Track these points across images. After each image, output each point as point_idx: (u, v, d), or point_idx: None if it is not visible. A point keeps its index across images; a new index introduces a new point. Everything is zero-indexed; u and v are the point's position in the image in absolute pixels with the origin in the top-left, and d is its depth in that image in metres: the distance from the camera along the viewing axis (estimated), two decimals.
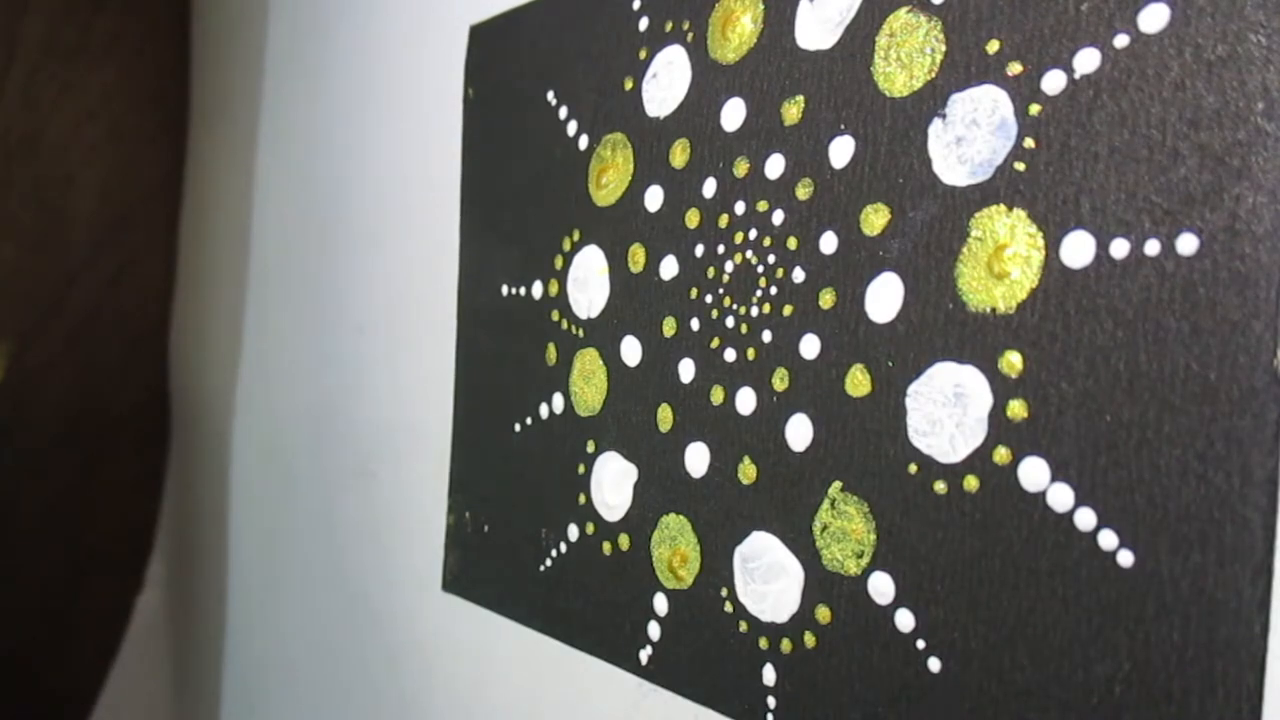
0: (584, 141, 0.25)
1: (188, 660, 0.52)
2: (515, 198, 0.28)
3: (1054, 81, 0.16)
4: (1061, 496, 0.16)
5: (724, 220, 0.22)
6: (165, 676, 0.54)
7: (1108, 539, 0.15)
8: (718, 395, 0.22)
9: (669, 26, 0.23)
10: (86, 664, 0.50)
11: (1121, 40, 0.16)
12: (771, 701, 0.20)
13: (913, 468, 0.18)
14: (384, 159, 0.35)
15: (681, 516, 0.22)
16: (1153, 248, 0.15)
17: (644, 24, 0.24)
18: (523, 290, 0.27)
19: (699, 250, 0.22)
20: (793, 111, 0.20)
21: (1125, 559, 0.15)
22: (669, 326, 0.23)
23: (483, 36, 0.29)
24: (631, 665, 0.24)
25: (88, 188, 0.43)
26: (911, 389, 0.18)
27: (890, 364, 0.18)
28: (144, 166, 0.47)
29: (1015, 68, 0.17)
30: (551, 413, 0.26)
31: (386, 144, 0.35)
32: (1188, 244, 0.15)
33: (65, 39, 0.44)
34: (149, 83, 0.47)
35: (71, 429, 0.47)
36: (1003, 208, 0.17)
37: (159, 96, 0.47)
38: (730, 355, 0.21)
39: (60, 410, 0.47)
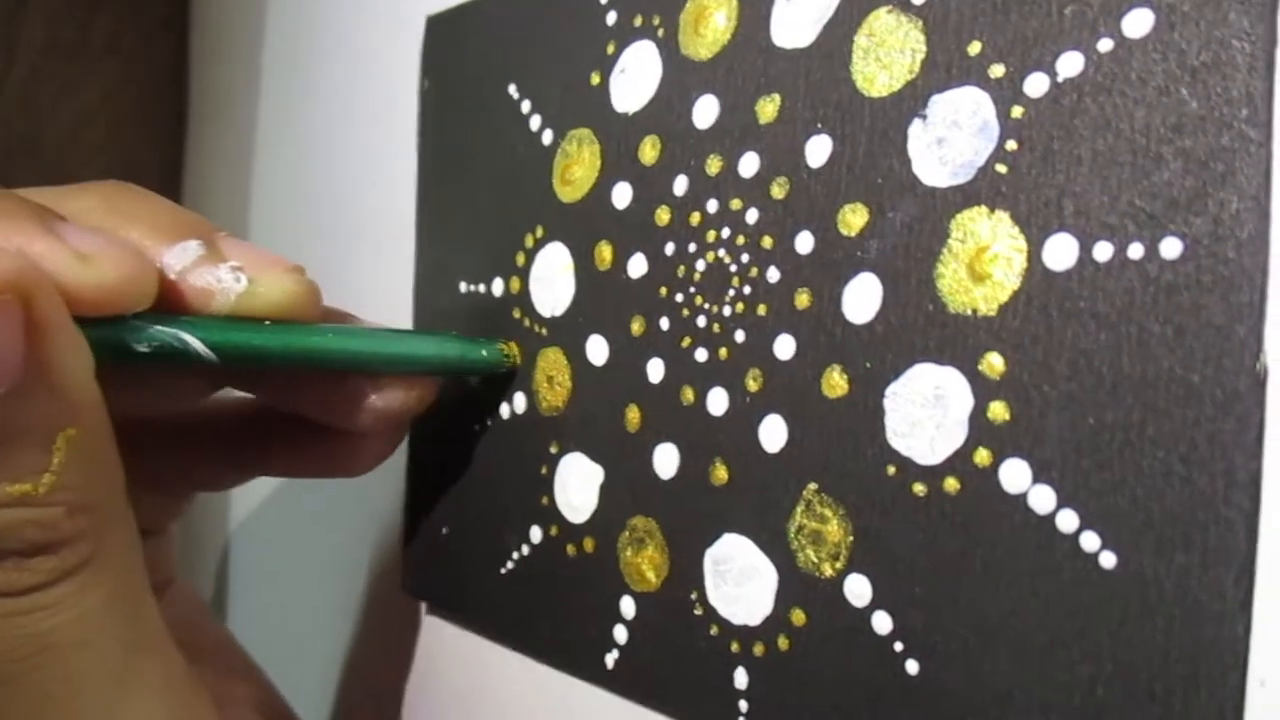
0: (548, 136, 0.25)
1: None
2: (475, 193, 0.27)
3: (1037, 84, 0.16)
4: (1043, 498, 0.16)
5: (696, 218, 0.21)
6: None
7: (1090, 541, 0.15)
8: (688, 395, 0.21)
9: (638, 21, 0.23)
10: None
11: (1105, 44, 0.16)
12: (744, 705, 0.20)
13: (891, 469, 0.18)
14: (355, 155, 0.34)
15: (650, 519, 0.22)
16: (1136, 251, 0.15)
17: (612, 18, 0.24)
18: (482, 288, 0.27)
19: (669, 248, 0.22)
20: (768, 110, 0.20)
21: (1108, 561, 0.15)
22: (637, 325, 0.22)
23: (441, 27, 0.29)
24: (597, 671, 0.23)
25: None
26: (890, 390, 0.18)
27: (868, 365, 0.18)
28: (144, 166, 0.46)
29: (997, 70, 0.17)
30: (513, 412, 0.26)
31: (361, 140, 0.34)
32: (1171, 248, 0.15)
33: (65, 39, 0.42)
34: (148, 83, 0.46)
35: None
36: (984, 209, 0.17)
37: (158, 96, 0.47)
38: (701, 355, 0.21)
39: None
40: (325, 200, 0.37)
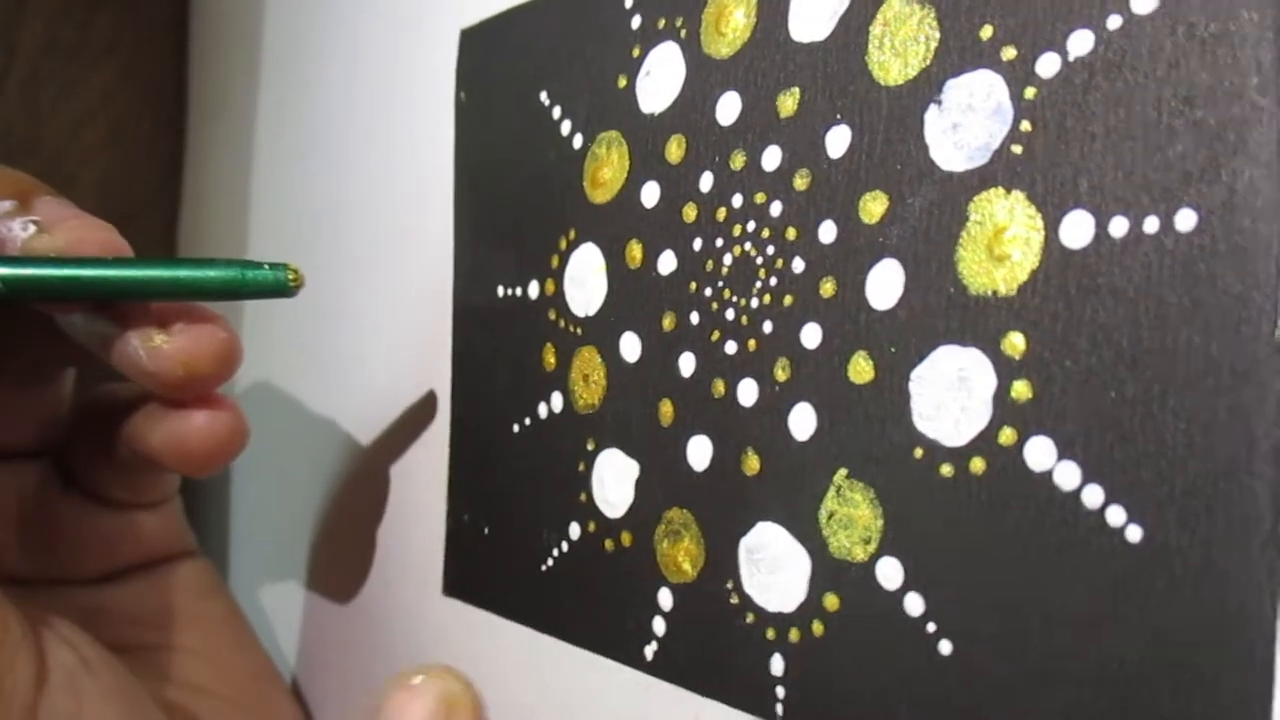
0: (578, 140, 0.25)
1: None
2: (510, 199, 0.28)
3: (1048, 65, 0.17)
4: (1068, 475, 0.16)
5: (721, 214, 0.22)
6: None
7: (1115, 515, 0.15)
8: (719, 388, 0.22)
9: (662, 23, 0.23)
10: None
11: (1114, 21, 0.16)
12: (781, 691, 0.20)
13: (918, 452, 0.18)
14: (377, 160, 0.35)
15: (685, 510, 0.22)
16: (1151, 225, 0.15)
17: (636, 22, 0.24)
18: (519, 291, 0.27)
19: (697, 244, 0.22)
20: (788, 103, 0.21)
21: (1134, 534, 0.15)
22: (668, 321, 0.23)
23: (474, 40, 0.29)
24: (637, 661, 0.24)
25: (88, 188, 0.43)
26: (915, 374, 0.18)
27: (893, 350, 0.18)
28: (144, 166, 0.47)
29: (1009, 52, 0.17)
30: (550, 412, 0.26)
31: (379, 145, 0.35)
32: (1186, 220, 0.15)
33: (64, 39, 0.43)
34: (148, 82, 0.47)
35: None
36: (1001, 190, 0.17)
37: (158, 96, 0.47)
38: (731, 347, 0.21)
39: None
40: (327, 200, 0.38)
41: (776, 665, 0.20)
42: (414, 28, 0.33)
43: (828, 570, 0.19)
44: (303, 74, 0.40)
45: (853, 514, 0.19)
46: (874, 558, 0.18)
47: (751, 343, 0.21)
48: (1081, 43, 0.16)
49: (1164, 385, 0.15)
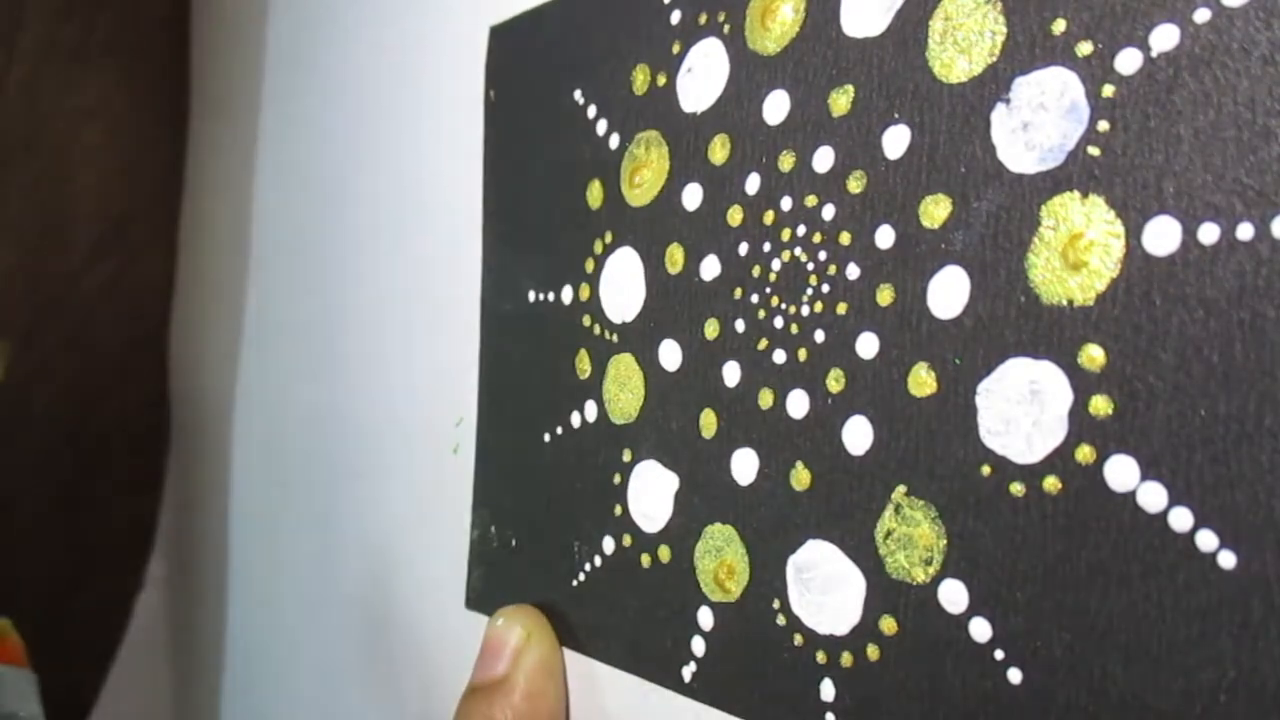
0: (615, 140, 0.25)
1: (188, 660, 0.51)
2: (542, 200, 0.27)
3: (1129, 61, 0.16)
4: (1153, 496, 0.15)
5: (769, 217, 0.21)
6: (165, 676, 0.53)
7: (1206, 540, 0.14)
8: (766, 399, 0.21)
9: (703, 19, 0.23)
10: (86, 664, 0.49)
11: (1202, 15, 0.15)
12: (831, 718, 0.19)
13: (985, 469, 0.17)
14: (397, 160, 0.34)
15: (728, 526, 0.21)
16: (1245, 232, 0.14)
17: (675, 17, 0.23)
18: (551, 295, 0.26)
19: (743, 249, 0.21)
20: (841, 102, 0.20)
21: (1227, 560, 0.14)
22: (711, 329, 0.22)
23: (504, 37, 0.29)
24: (673, 683, 0.23)
25: (88, 188, 0.42)
26: (982, 387, 0.17)
27: (957, 361, 0.17)
28: (144, 166, 0.47)
29: (1085, 48, 0.16)
30: (584, 421, 0.25)
31: (400, 144, 0.34)
32: None
33: (65, 39, 0.43)
34: (149, 82, 0.46)
35: (71, 429, 0.46)
36: (1076, 194, 0.16)
37: (159, 96, 0.47)
38: (780, 357, 0.20)
39: (60, 410, 0.46)
40: (338, 201, 0.37)
41: (827, 690, 0.19)
42: (440, 24, 0.32)
43: (885, 591, 0.18)
44: (312, 73, 0.39)
45: (913, 533, 0.18)
46: (936, 579, 0.18)
47: (802, 352, 0.20)
48: (1165, 38, 0.15)
49: (1260, 402, 0.14)
